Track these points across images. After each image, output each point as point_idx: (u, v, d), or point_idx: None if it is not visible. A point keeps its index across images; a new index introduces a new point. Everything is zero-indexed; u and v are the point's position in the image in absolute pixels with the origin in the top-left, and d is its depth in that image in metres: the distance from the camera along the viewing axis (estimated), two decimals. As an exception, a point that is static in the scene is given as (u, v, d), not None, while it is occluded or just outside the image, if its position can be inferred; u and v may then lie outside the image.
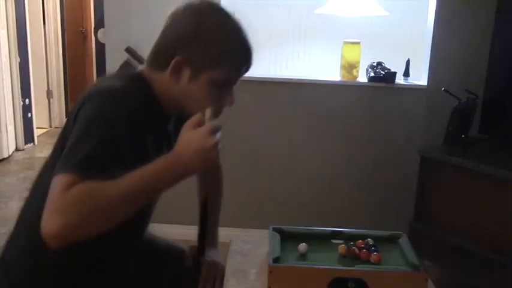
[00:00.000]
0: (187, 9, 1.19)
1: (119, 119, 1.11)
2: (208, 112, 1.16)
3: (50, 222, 0.98)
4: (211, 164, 1.16)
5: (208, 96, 1.20)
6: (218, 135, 1.14)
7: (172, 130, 1.29)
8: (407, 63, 2.86)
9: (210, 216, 1.45)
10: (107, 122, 1.09)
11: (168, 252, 1.53)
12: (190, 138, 1.13)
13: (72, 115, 1.16)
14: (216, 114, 1.21)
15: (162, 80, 1.21)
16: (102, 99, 1.13)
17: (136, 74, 1.25)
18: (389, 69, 2.80)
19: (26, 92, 5.02)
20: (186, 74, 1.18)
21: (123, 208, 1.07)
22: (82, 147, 1.06)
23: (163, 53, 1.20)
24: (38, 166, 1.31)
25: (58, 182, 1.02)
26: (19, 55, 4.83)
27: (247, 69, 1.24)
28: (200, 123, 1.14)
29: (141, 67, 1.28)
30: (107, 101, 1.13)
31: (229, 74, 1.21)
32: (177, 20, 1.19)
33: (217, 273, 1.42)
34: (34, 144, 5.16)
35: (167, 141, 1.28)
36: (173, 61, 1.17)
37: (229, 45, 1.19)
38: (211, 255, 1.45)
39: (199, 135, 1.12)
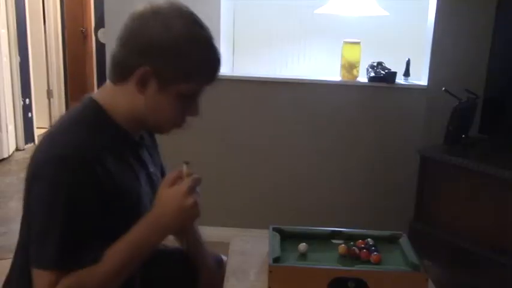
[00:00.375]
0: (155, 15, 1.11)
1: (77, 188, 1.06)
2: (185, 168, 1.14)
3: None
4: (193, 222, 1.17)
5: (175, 108, 1.16)
6: (197, 190, 1.13)
7: (145, 159, 1.27)
8: (407, 63, 2.86)
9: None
10: (65, 200, 1.05)
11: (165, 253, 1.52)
12: (168, 198, 1.12)
13: (27, 181, 1.13)
14: (179, 125, 1.20)
15: (124, 93, 1.15)
16: (51, 173, 1.06)
17: (89, 107, 1.18)
18: (390, 69, 2.80)
19: (26, 91, 5.03)
20: (152, 85, 1.12)
21: (113, 284, 1.10)
22: (51, 237, 1.05)
23: (127, 62, 1.13)
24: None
25: (40, 281, 1.04)
26: (19, 55, 4.83)
27: (215, 79, 1.19)
28: (178, 179, 1.13)
29: (96, 92, 1.23)
30: (58, 174, 1.06)
31: (199, 87, 1.17)
32: (144, 25, 1.11)
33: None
34: (34, 144, 5.16)
35: (144, 168, 1.25)
36: (140, 71, 1.10)
37: (201, 58, 1.13)
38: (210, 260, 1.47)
39: (177, 194, 1.11)
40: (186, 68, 1.12)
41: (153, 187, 1.26)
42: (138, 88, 1.12)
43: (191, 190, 1.12)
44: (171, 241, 1.52)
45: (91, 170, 1.07)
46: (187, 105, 1.18)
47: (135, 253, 1.11)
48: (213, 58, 1.16)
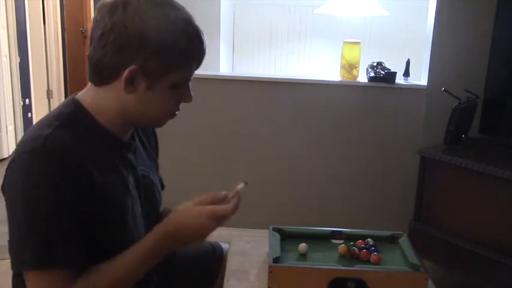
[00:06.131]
0: (125, 7, 1.04)
1: (49, 187, 1.01)
2: (240, 186, 1.20)
3: None
4: (198, 244, 1.16)
5: (168, 101, 1.12)
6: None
7: (134, 161, 1.22)
8: (407, 63, 2.86)
9: None
10: (37, 198, 1.01)
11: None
12: (195, 213, 1.12)
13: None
14: (173, 115, 1.16)
15: (110, 95, 1.10)
16: (23, 170, 1.03)
17: (72, 107, 1.12)
18: (389, 69, 2.79)
19: (26, 92, 5.03)
20: (141, 83, 1.07)
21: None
22: (30, 238, 1.01)
23: (109, 64, 1.06)
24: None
25: (36, 284, 1.02)
26: (19, 55, 4.83)
27: (203, 59, 1.13)
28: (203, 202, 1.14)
29: (80, 94, 1.16)
30: (30, 169, 1.02)
31: (189, 73, 1.12)
32: (118, 22, 1.04)
33: None
34: (34, 144, 5.15)
35: (131, 171, 1.20)
36: (126, 72, 1.05)
37: (186, 43, 1.06)
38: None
39: (209, 213, 1.11)
40: (173, 58, 1.06)
41: (141, 190, 1.23)
42: (126, 89, 1.07)
43: (221, 218, 1.13)
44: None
45: (62, 164, 1.02)
46: (179, 93, 1.13)
47: (149, 259, 1.11)
48: (197, 39, 1.08)
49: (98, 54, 1.07)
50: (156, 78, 1.07)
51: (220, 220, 1.12)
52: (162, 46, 1.04)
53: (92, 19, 5.83)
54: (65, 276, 1.03)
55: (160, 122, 1.19)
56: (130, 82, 1.07)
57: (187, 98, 1.15)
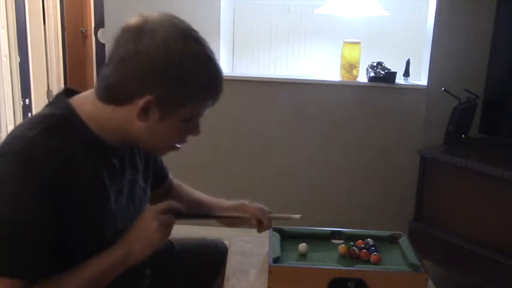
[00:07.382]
0: (151, 35, 1.02)
1: (21, 193, 0.98)
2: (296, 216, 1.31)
3: None
4: (152, 248, 1.13)
5: (177, 133, 1.13)
6: (166, 217, 1.13)
7: (117, 165, 1.17)
8: (407, 63, 2.86)
9: None
10: (15, 205, 0.98)
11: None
12: (140, 219, 1.13)
13: None
14: (174, 148, 1.17)
15: (116, 115, 1.07)
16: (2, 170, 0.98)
17: (63, 111, 1.08)
18: (389, 69, 2.79)
19: (26, 92, 5.02)
20: (155, 113, 1.05)
21: None
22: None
23: (124, 88, 1.04)
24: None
25: None
26: (19, 55, 4.83)
27: (219, 97, 1.13)
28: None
29: (77, 99, 1.12)
30: (4, 172, 0.98)
31: (202, 109, 1.12)
32: (142, 49, 1.01)
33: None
34: (34, 144, 5.14)
35: (118, 178, 1.17)
36: (142, 101, 1.03)
37: (205, 80, 1.07)
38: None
39: (146, 215, 1.12)
40: (191, 93, 1.06)
41: (127, 195, 1.20)
42: (139, 117, 1.05)
43: (161, 212, 1.13)
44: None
45: (49, 180, 0.99)
46: (188, 127, 1.13)
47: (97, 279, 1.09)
48: (217, 77, 1.10)
49: (114, 76, 1.04)
50: (171, 110, 1.06)
51: (163, 212, 1.13)
52: (182, 80, 1.04)
53: (92, 19, 5.77)
54: (19, 285, 0.99)
55: (161, 152, 1.22)
56: (144, 111, 1.05)
57: (196, 132, 1.16)
